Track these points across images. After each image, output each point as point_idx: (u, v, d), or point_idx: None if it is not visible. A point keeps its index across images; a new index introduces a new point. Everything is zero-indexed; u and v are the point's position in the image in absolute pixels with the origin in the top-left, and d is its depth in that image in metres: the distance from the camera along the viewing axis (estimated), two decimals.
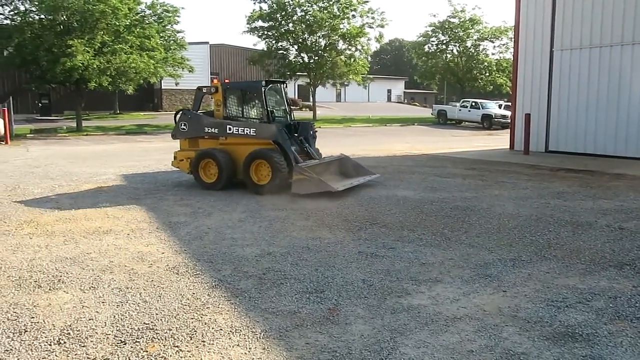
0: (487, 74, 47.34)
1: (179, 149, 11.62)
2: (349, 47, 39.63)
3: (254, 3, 38.19)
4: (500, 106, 37.68)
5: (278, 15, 37.70)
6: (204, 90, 11.44)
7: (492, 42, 47.65)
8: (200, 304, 4.90)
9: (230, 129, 10.75)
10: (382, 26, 39.25)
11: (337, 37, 38.38)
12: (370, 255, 6.31)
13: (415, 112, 54.24)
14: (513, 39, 19.01)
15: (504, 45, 46.81)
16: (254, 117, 11.13)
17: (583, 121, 16.37)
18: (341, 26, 38.17)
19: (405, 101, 71.44)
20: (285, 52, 39.77)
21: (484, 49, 48.29)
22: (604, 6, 15.59)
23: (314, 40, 38.77)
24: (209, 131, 11.01)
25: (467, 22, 45.84)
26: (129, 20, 28.83)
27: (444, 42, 47.59)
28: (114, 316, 4.63)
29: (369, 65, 45.25)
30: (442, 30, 46.87)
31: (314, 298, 5.03)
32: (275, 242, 6.92)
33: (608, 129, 15.77)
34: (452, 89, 67.14)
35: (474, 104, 36.58)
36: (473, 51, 47.65)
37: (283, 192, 10.26)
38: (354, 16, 38.80)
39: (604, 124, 15.86)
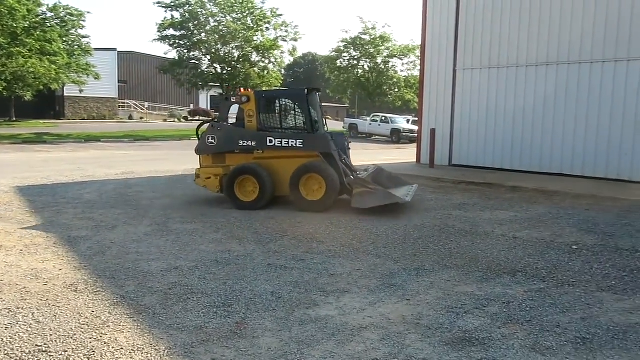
0: (397, 90, 49.23)
1: (201, 166, 10.56)
2: (263, 59, 39.74)
3: (166, 11, 37.34)
4: (408, 121, 39.20)
5: (190, 25, 37.13)
6: (232, 100, 10.54)
7: (401, 59, 49.74)
8: (100, 322, 4.66)
9: (271, 141, 9.89)
10: (296, 40, 39.78)
11: (250, 48, 38.37)
12: (280, 268, 6.31)
13: (328, 125, 54.99)
14: (420, 57, 19.87)
15: (412, 62, 48.96)
16: (293, 127, 10.24)
17: (483, 137, 17.38)
18: (255, 38, 38.21)
19: None
20: (197, 62, 39.15)
21: (394, 65, 50.28)
22: (501, 30, 16.71)
23: (227, 51, 38.51)
24: (244, 144, 10.07)
25: (378, 39, 47.53)
26: (27, 22, 27.17)
27: (356, 57, 49.02)
28: (1, 340, 4.29)
29: (282, 78, 45.56)
30: (353, 46, 48.25)
31: (222, 312, 4.95)
32: (183, 256, 6.74)
33: (505, 144, 16.85)
34: (364, 103, 69.08)
35: (383, 118, 37.76)
36: (383, 67, 49.42)
37: (194, 204, 10.04)
38: (267, 29, 39.02)
39: (501, 140, 16.94)
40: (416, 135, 20.72)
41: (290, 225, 8.60)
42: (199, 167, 10.63)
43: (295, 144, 9.80)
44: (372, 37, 47.42)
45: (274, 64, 40.53)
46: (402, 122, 37.83)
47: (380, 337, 4.48)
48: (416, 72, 46.50)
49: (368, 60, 49.08)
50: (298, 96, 10.37)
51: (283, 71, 50.74)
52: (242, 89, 11.19)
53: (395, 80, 49.11)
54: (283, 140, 9.86)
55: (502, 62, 16.79)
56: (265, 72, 39.60)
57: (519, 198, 11.72)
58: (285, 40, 39.63)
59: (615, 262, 6.71)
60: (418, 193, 12.05)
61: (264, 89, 34.41)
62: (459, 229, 8.53)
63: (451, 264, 6.58)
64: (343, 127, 42.50)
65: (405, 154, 24.52)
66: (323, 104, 11.79)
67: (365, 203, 9.35)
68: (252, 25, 37.87)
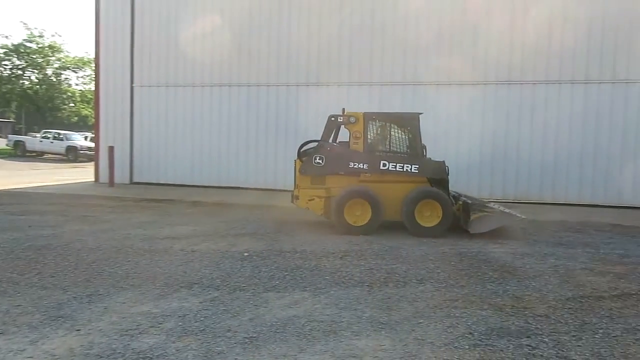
0: (72, 105, 45.59)
1: (300, 187, 9.93)
2: None
3: None
4: (87, 138, 36.75)
5: None
6: (339, 120, 9.85)
7: (76, 72, 46.28)
8: None
9: (384, 165, 9.59)
10: None
11: None
12: None
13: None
14: (95, 71, 18.87)
15: (88, 76, 46.04)
16: (400, 151, 9.87)
17: (164, 154, 17.48)
18: None
19: None
20: None
21: (67, 78, 46.45)
22: (177, 50, 17.13)
23: None
24: (354, 167, 9.67)
25: (47, 48, 43.22)
26: None
27: (20, 67, 43.55)
28: None
29: None
30: (17, 54, 42.79)
31: None
32: None
33: (185, 160, 17.28)
34: (33, 118, 61.89)
35: (57, 135, 34.54)
36: (55, 80, 45.16)
37: None
38: None
39: (182, 156, 17.31)
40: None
41: None
42: (296, 188, 10.10)
43: (410, 169, 9.66)
44: (39, 45, 42.86)
45: None
46: (80, 139, 35.27)
47: None
48: (93, 87, 43.93)
49: (36, 71, 44.16)
50: (411, 120, 10.02)
51: None
52: (344, 109, 10.37)
53: (69, 94, 45.42)
54: (398, 165, 9.67)
55: (179, 81, 17.22)
56: None
57: (199, 212, 12.13)
58: None
59: (279, 263, 7.51)
60: (95, 214, 11.37)
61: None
62: (137, 248, 8.32)
63: (128, 285, 6.35)
64: (7, 145, 37.31)
65: (84, 173, 22.89)
66: None
67: (482, 227, 9.33)
68: None
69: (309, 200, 10.02)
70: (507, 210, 10.06)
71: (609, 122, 13.89)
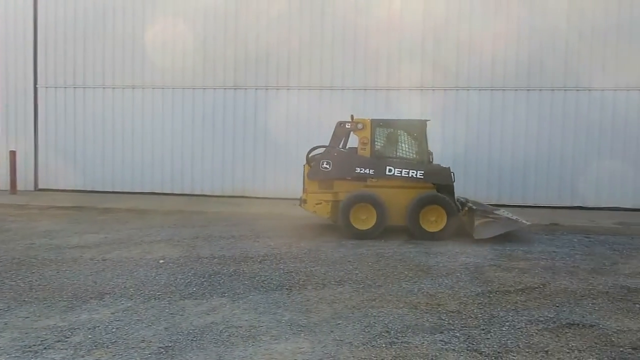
0: None
1: (308, 191, 10.15)
2: None
3: None
4: None
5: None
6: (347, 127, 10.15)
7: None
8: None
9: (390, 170, 9.82)
10: None
11: None
12: None
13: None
14: None
15: None
16: (406, 157, 10.18)
17: (72, 158, 16.51)
18: None
19: None
20: None
21: None
22: (85, 51, 16.30)
23: None
24: (361, 172, 9.92)
25: None
26: None
27: None
28: None
29: None
30: None
31: None
32: None
33: (96, 165, 16.43)
34: None
35: None
36: None
37: None
38: None
39: (92, 161, 16.44)
40: None
41: None
42: (304, 192, 10.27)
43: (416, 175, 9.82)
44: None
45: None
46: None
47: None
48: None
49: None
50: (418, 127, 10.22)
51: None
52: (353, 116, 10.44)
53: None
54: (403, 170, 9.83)
55: (88, 82, 16.41)
56: None
57: (111, 219, 11.61)
58: None
59: (197, 270, 7.33)
60: None
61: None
62: (42, 258, 7.83)
63: (31, 298, 5.95)
64: None
65: None
66: None
67: (488, 233, 9.40)
68: None
69: (316, 204, 10.16)
70: (513, 217, 10.22)
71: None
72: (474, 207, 10.15)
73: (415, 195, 9.79)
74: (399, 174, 9.87)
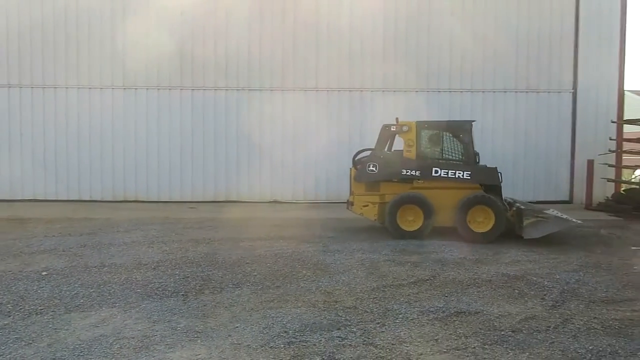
0: None
1: (355, 193, 10.21)
2: None
3: None
4: None
5: None
6: (392, 129, 10.16)
7: None
8: None
9: (436, 172, 9.84)
10: None
11: None
12: None
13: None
14: None
15: None
16: (453, 159, 10.19)
17: None
18: None
19: None
20: None
21: None
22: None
23: None
24: (407, 174, 9.94)
25: None
26: None
27: None
28: None
29: None
30: None
31: None
32: None
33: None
34: None
35: None
36: None
37: None
38: None
39: None
40: None
41: None
42: (351, 194, 10.42)
43: (462, 176, 9.80)
44: None
45: None
46: None
47: None
48: None
49: None
50: (464, 128, 10.24)
51: None
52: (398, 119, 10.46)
53: None
54: (449, 171, 9.81)
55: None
56: None
57: None
58: None
59: (84, 280, 6.89)
60: None
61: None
62: None
63: None
64: None
65: None
66: None
67: (538, 232, 9.27)
68: None
69: (363, 206, 10.18)
70: (562, 216, 10.02)
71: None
72: (522, 207, 9.95)
73: (462, 196, 9.77)
74: (445, 175, 9.90)
